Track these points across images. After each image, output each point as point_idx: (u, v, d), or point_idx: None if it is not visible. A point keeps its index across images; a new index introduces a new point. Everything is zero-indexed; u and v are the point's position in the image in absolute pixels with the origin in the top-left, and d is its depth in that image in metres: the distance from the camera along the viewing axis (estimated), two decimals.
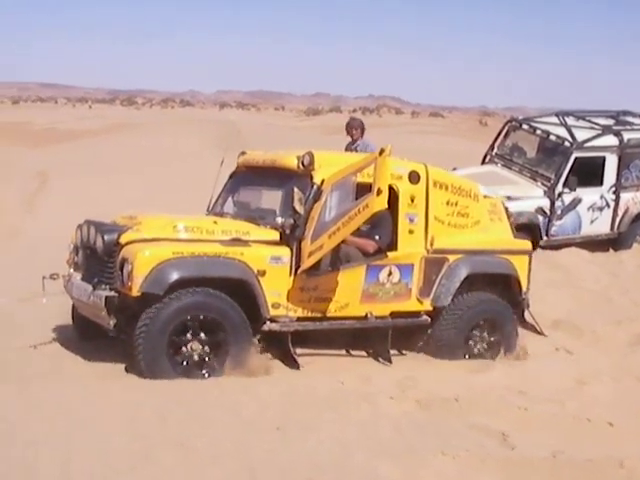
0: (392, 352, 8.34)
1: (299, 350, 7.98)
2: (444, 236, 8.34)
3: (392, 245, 8.10)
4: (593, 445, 6.18)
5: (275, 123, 49.64)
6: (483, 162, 14.60)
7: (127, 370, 7.33)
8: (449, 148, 30.10)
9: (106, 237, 7.39)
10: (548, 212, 12.99)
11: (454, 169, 13.76)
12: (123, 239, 7.33)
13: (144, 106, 74.51)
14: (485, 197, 8.93)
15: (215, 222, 7.83)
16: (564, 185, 13.11)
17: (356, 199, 7.40)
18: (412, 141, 32.91)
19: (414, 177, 8.17)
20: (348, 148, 10.95)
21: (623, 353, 8.78)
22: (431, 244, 8.26)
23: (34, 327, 8.44)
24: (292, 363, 7.73)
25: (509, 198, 12.62)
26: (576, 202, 13.23)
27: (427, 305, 8.31)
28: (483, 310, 8.52)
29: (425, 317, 8.33)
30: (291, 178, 7.92)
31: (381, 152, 7.34)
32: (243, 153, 8.86)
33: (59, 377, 7.16)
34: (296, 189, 7.69)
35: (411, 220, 8.16)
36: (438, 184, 8.37)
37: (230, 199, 8.67)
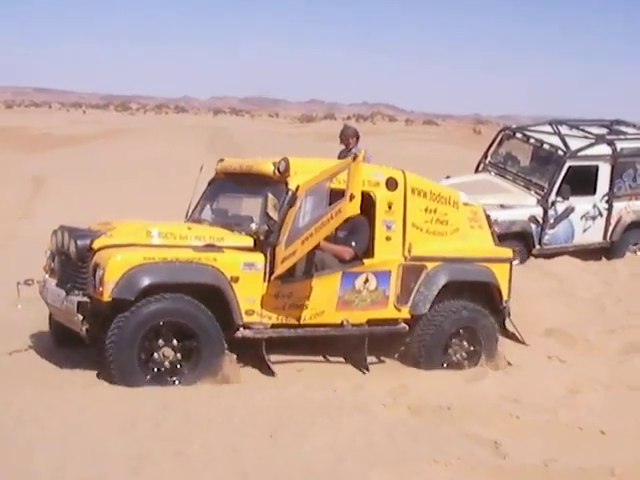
0: (384, 360, 8.37)
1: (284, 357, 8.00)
2: (422, 243, 8.27)
3: (369, 252, 8.04)
4: (585, 453, 6.20)
5: (269, 130, 49.69)
6: (477, 170, 14.61)
7: (99, 376, 7.26)
8: (443, 156, 30.19)
9: (79, 242, 7.37)
10: (541, 221, 12.99)
11: (447, 177, 13.80)
12: (96, 244, 7.30)
13: (138, 112, 74.62)
14: (465, 204, 8.83)
15: (189, 228, 7.80)
16: (557, 194, 13.12)
17: (330, 205, 7.36)
18: (406, 149, 33.01)
19: (392, 184, 8.12)
20: (342, 156, 10.91)
21: (616, 361, 8.77)
22: (409, 251, 8.18)
23: (18, 332, 8.42)
24: (267, 370, 7.67)
25: (502, 206, 12.70)
26: (569, 211, 13.24)
27: (405, 313, 8.23)
28: (462, 318, 8.41)
29: (403, 325, 8.25)
30: (267, 184, 7.87)
31: (355, 158, 7.33)
32: (221, 160, 8.83)
33: (50, 384, 7.13)
34: (270, 195, 7.66)
35: (388, 227, 8.10)
36: (416, 191, 8.29)
37: (208, 206, 8.62)
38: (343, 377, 7.85)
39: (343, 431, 6.20)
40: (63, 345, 8.06)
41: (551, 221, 13.08)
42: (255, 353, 7.76)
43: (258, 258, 7.55)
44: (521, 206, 13.00)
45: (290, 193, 7.69)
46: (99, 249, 7.27)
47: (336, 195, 7.38)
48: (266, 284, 7.54)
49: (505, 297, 8.81)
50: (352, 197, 7.16)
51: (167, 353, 7.18)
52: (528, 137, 14.26)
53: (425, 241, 8.32)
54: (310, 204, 7.53)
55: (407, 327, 8.27)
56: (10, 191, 19.85)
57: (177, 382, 7.16)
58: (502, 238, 12.38)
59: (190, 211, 8.68)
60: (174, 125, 45.62)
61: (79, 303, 7.16)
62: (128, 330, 6.99)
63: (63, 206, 17.10)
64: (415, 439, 6.15)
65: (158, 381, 7.09)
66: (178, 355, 7.23)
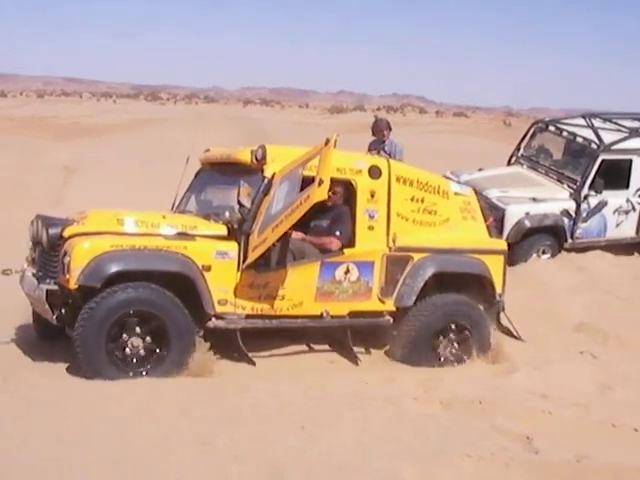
0: None
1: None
2: (408, 233, 8.07)
3: (350, 242, 7.87)
4: (617, 450, 6.12)
5: (299, 121, 49.64)
6: (509, 163, 14.53)
7: (68, 370, 7.17)
8: (473, 148, 30.01)
9: (50, 231, 7.34)
10: (573, 214, 12.89)
11: (480, 169, 13.75)
12: (67, 232, 7.26)
13: (168, 101, 74.65)
14: (457, 194, 8.58)
15: (164, 217, 7.69)
16: (590, 188, 13.01)
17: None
18: (436, 141, 32.88)
19: (375, 172, 7.96)
20: (374, 147, 10.90)
21: None
22: (394, 241, 7.98)
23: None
24: (247, 360, 7.56)
25: (534, 200, 12.63)
26: (602, 205, 13.13)
27: (389, 305, 8.01)
28: (451, 312, 8.15)
29: (387, 318, 8.04)
30: (245, 173, 7.75)
31: (326, 142, 7.18)
32: (207, 150, 8.75)
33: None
34: (243, 183, 7.50)
35: (371, 216, 7.92)
36: (402, 179, 8.10)
37: (193, 197, 8.55)
38: (374, 369, 7.83)
39: (373, 424, 6.17)
40: (46, 337, 7.95)
41: (583, 215, 12.98)
42: (280, 344, 7.81)
43: (231, 247, 7.42)
44: (553, 199, 12.91)
45: (266, 181, 7.57)
46: (70, 237, 7.22)
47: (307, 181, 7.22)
48: (240, 273, 7.40)
49: (499, 290, 8.57)
50: (321, 182, 7.01)
51: (136, 343, 7.06)
52: (561, 130, 14.15)
53: (411, 231, 8.12)
54: (283, 191, 7.39)
55: (391, 320, 8.07)
56: (41, 179, 19.92)
57: (146, 373, 7.03)
58: (534, 232, 12.40)
59: (176, 203, 8.60)
60: (207, 115, 45.60)
61: (47, 291, 7.11)
62: (95, 319, 6.87)
63: (93, 195, 17.11)
64: (446, 433, 6.10)
65: (126, 372, 6.96)
66: (147, 346, 7.10)
